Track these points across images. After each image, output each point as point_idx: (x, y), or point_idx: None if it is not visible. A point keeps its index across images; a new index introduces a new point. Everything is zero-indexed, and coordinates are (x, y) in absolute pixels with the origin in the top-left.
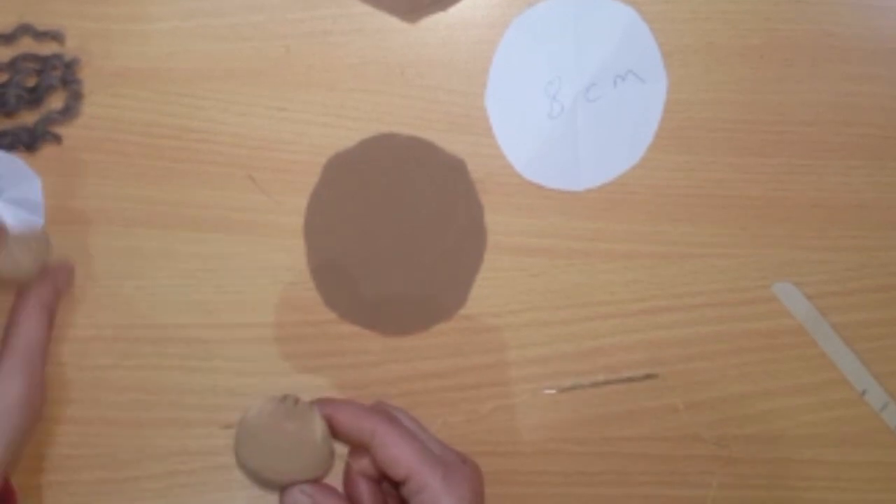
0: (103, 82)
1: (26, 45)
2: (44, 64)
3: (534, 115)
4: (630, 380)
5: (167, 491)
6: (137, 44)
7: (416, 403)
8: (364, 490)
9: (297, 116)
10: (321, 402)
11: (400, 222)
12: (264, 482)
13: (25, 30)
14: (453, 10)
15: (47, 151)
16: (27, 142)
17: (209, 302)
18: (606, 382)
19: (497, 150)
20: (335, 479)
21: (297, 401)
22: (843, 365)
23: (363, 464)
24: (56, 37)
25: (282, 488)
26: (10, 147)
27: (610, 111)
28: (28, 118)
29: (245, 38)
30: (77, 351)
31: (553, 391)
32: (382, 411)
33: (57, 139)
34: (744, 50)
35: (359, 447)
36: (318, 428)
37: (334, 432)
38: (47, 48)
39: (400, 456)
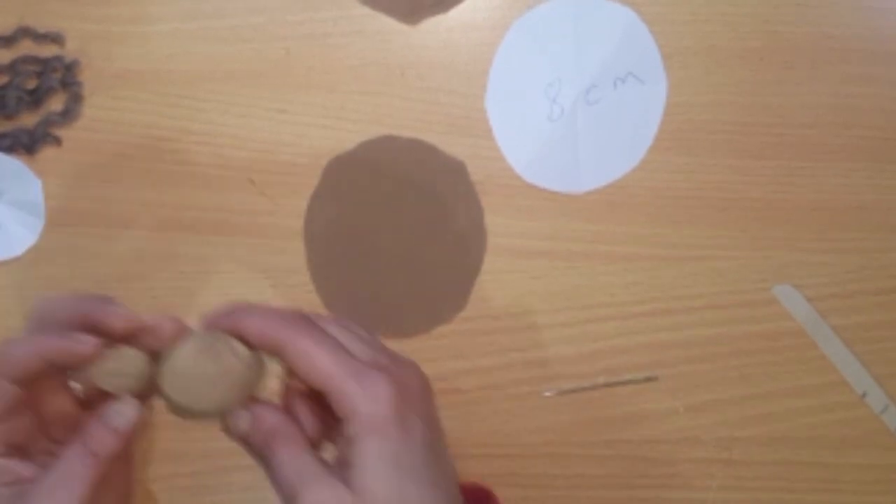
0: (103, 84)
1: (26, 48)
2: (44, 66)
3: (534, 118)
4: (630, 382)
5: (168, 493)
6: (137, 46)
7: None
8: (301, 406)
9: (298, 118)
10: (230, 321)
11: (400, 224)
12: (203, 420)
13: (26, 32)
14: (453, 13)
15: (47, 153)
16: (27, 144)
17: (209, 304)
18: (607, 385)
19: (497, 153)
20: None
21: (211, 338)
22: (843, 367)
23: (300, 383)
24: (56, 39)
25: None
26: (10, 149)
27: (610, 113)
28: (28, 120)
29: (245, 40)
30: None
31: (553, 393)
32: (296, 318)
33: (57, 141)
34: (744, 52)
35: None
36: (241, 357)
37: (248, 346)
38: (47, 50)
39: (314, 366)
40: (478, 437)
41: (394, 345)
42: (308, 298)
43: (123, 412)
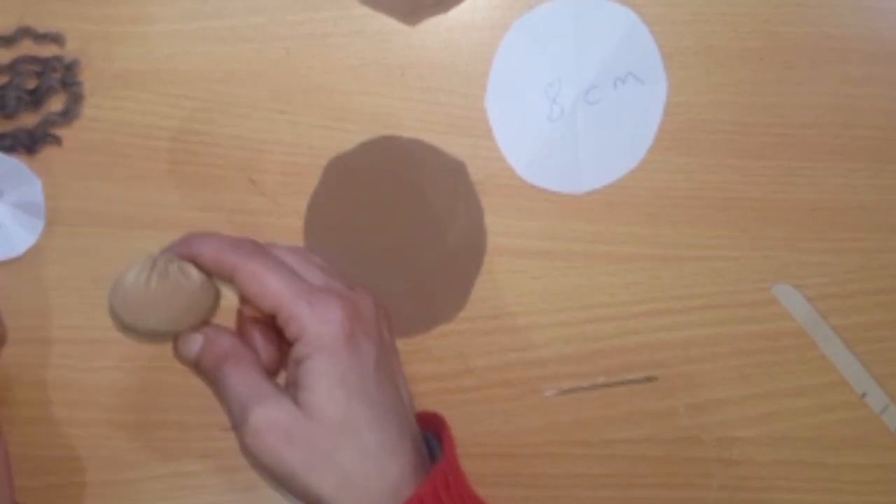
0: (103, 84)
1: (26, 48)
2: (44, 66)
3: (534, 118)
4: (630, 382)
5: (168, 493)
6: (138, 46)
7: (417, 405)
8: (255, 333)
9: (298, 118)
10: (184, 247)
11: (400, 225)
12: (155, 338)
13: (25, 32)
14: (454, 13)
15: (47, 153)
16: (27, 144)
17: None
18: (606, 385)
19: (497, 153)
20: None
21: (166, 262)
22: (843, 367)
23: (253, 310)
24: (56, 39)
25: (173, 339)
26: (10, 149)
27: (610, 113)
28: (28, 120)
29: (245, 40)
30: (79, 353)
31: (553, 393)
32: (246, 244)
33: (57, 141)
34: (744, 52)
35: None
36: (195, 280)
37: (203, 271)
38: (47, 50)
39: (264, 289)
40: (477, 437)
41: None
42: None
43: None
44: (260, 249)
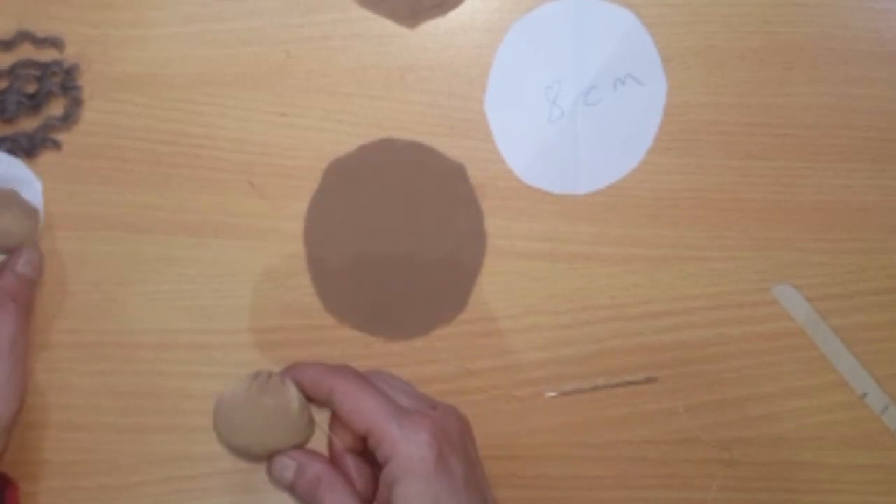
0: (103, 88)
1: (26, 52)
2: (43, 70)
3: (533, 120)
4: (630, 383)
5: (168, 497)
6: (137, 49)
7: None
8: (350, 463)
9: (297, 121)
10: (289, 370)
11: (400, 227)
12: (250, 457)
13: (25, 36)
14: (453, 15)
15: (47, 157)
16: (27, 148)
17: (209, 307)
18: (607, 386)
19: (497, 155)
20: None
21: (269, 375)
22: (843, 368)
23: (345, 438)
24: (56, 43)
25: (268, 459)
26: (9, 153)
27: (609, 115)
28: (28, 124)
29: (245, 44)
30: (78, 356)
31: (553, 395)
32: (344, 368)
33: (56, 145)
34: (744, 53)
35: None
36: (294, 397)
37: (306, 396)
38: (47, 54)
39: (357, 410)
40: (478, 439)
41: (394, 346)
42: (308, 301)
43: (30, 258)
44: (354, 372)
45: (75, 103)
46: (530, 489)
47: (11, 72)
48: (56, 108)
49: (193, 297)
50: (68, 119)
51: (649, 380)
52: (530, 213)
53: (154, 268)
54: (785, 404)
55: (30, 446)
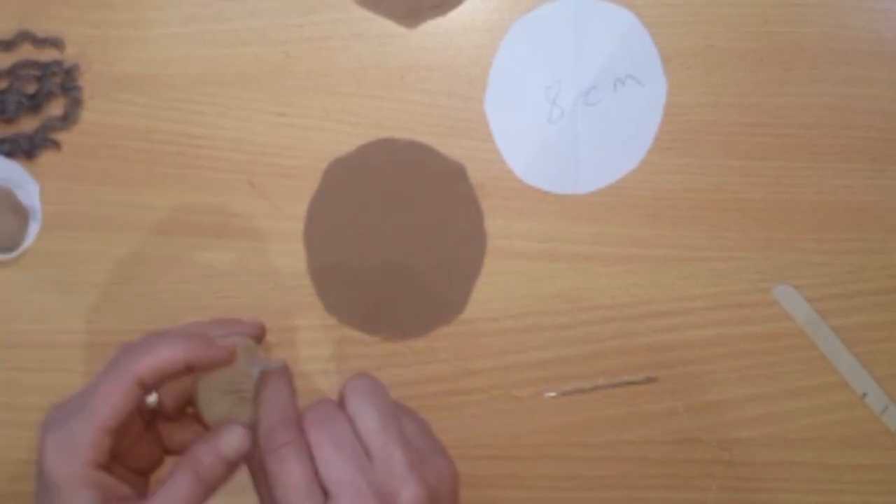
0: (103, 88)
1: (26, 52)
2: (43, 70)
3: (533, 120)
4: (630, 383)
5: None
6: (137, 49)
7: (417, 408)
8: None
9: (297, 122)
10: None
11: (400, 227)
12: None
13: (25, 36)
14: (453, 15)
15: (47, 157)
16: (27, 148)
17: (210, 307)
18: (607, 386)
19: (497, 155)
20: None
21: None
22: (843, 368)
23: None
24: (56, 43)
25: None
26: (9, 154)
27: (609, 115)
28: (28, 125)
29: (245, 44)
30: (79, 357)
31: (554, 395)
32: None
33: (56, 146)
34: (743, 53)
35: None
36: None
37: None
38: (47, 55)
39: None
40: (478, 439)
41: (394, 346)
42: (309, 301)
43: (232, 441)
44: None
45: (75, 103)
46: (531, 489)
47: (11, 72)
48: (56, 109)
49: (193, 297)
50: (68, 119)
51: (649, 380)
52: (530, 213)
53: (154, 268)
54: (785, 404)
55: (29, 447)
